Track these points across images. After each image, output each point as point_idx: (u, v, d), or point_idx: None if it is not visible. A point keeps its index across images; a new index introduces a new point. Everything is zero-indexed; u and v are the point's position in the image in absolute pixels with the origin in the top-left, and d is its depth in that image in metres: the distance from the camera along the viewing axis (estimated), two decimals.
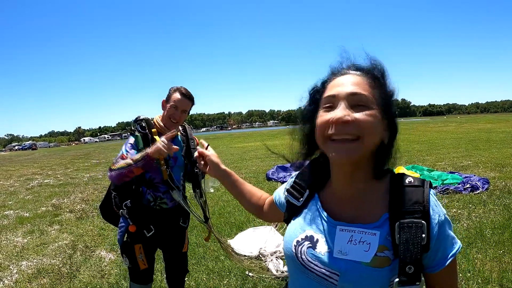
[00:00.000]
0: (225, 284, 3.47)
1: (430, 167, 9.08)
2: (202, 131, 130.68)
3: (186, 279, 2.76)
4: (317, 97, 0.94)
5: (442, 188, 6.58)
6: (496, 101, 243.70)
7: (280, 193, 1.16)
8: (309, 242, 0.90)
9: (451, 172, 8.02)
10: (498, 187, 6.67)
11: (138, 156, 2.10)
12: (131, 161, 2.08)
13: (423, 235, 0.78)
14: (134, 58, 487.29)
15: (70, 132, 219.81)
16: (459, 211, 5.30)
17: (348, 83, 0.85)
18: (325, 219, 0.91)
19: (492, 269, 3.42)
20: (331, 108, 0.85)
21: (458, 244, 0.86)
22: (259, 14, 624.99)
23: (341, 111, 0.82)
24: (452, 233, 0.85)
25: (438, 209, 0.84)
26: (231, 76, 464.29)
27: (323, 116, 0.86)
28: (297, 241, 0.92)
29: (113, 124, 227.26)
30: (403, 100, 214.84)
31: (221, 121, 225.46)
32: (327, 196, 0.97)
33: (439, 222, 0.82)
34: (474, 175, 7.49)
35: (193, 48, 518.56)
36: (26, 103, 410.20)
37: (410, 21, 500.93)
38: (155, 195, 2.30)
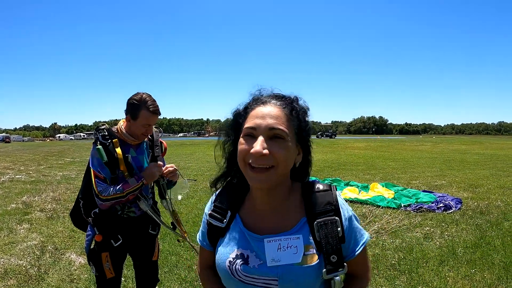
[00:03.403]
0: None
1: (404, 185, 9.29)
2: (179, 136, 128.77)
3: (157, 287, 2.70)
4: (239, 121, 1.02)
5: (416, 206, 6.69)
6: (471, 123, 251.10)
7: (202, 236, 1.16)
8: (241, 260, 0.99)
9: (425, 191, 8.21)
10: (470, 207, 6.85)
11: (134, 185, 2.14)
12: (128, 191, 2.11)
13: (338, 229, 0.96)
14: (114, 58, 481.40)
15: (45, 127, 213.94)
16: (432, 229, 5.41)
17: (268, 116, 0.94)
18: (251, 236, 1.01)
19: (463, 287, 3.49)
20: (252, 137, 0.94)
21: (366, 235, 1.05)
22: (243, 19, 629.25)
23: (259, 146, 0.90)
24: (359, 226, 1.04)
25: (345, 207, 1.02)
26: (212, 81, 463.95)
27: (243, 145, 0.95)
28: (230, 261, 1.00)
29: (90, 123, 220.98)
30: (381, 117, 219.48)
31: (199, 127, 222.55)
32: (248, 213, 1.06)
33: (348, 217, 1.00)
34: (448, 195, 7.72)
35: (174, 50, 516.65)
36: (2, 94, 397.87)
37: (389, 40, 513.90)
38: (122, 204, 2.23)
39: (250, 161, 0.92)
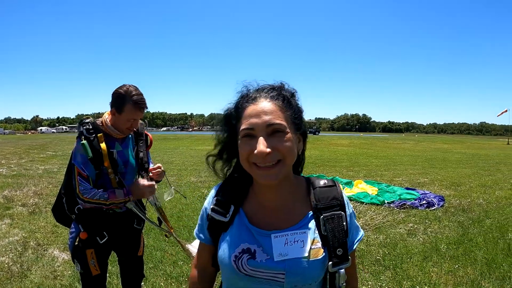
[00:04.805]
0: None
1: (387, 182, 9.41)
2: (163, 131, 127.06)
3: (142, 283, 2.65)
4: (232, 122, 1.01)
5: (399, 203, 6.79)
6: (453, 123, 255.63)
7: (201, 230, 1.12)
8: (247, 254, 0.97)
9: (408, 188, 8.33)
10: (452, 204, 7.00)
11: (120, 198, 2.08)
12: (112, 201, 2.05)
13: (344, 223, 0.99)
14: (97, 50, 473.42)
15: (27, 120, 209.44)
16: (415, 226, 5.51)
17: (262, 113, 0.92)
18: (256, 232, 0.99)
19: (447, 282, 3.57)
20: (251, 136, 0.92)
21: (362, 231, 1.09)
22: (226, 14, 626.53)
23: (261, 145, 0.88)
24: (356, 223, 1.08)
25: (349, 203, 1.05)
26: (196, 76, 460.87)
27: (244, 146, 0.93)
28: (235, 256, 0.98)
29: (72, 116, 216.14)
30: (364, 115, 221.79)
31: (182, 121, 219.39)
32: (253, 208, 1.04)
33: (350, 213, 1.04)
34: (430, 192, 7.84)
35: (159, 44, 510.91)
36: None
37: (373, 39, 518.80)
38: None
39: (256, 161, 0.91)
